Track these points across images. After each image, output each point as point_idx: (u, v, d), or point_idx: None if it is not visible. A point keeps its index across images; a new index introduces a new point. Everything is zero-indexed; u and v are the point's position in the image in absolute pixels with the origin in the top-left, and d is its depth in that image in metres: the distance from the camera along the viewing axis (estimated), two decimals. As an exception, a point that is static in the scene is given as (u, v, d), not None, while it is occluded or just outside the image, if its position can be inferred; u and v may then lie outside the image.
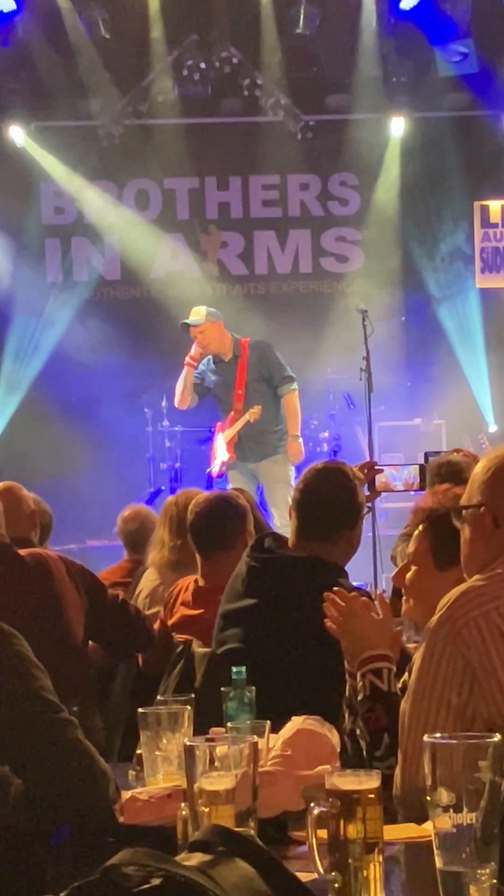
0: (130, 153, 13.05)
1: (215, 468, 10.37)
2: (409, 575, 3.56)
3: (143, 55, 12.58)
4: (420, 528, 3.56)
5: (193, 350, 10.24)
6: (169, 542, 5.78)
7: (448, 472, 5.80)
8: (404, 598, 3.62)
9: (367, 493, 5.23)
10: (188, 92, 12.80)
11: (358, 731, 3.19)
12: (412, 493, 6.56)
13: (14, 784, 2.62)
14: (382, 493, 6.53)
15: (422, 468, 6.43)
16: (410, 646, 3.95)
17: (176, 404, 10.54)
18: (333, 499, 4.28)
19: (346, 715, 3.28)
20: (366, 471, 5.62)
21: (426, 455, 6.75)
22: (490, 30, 12.24)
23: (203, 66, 12.57)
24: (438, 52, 12.33)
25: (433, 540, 3.48)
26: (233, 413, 10.19)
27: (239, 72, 12.70)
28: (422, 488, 6.25)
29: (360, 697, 3.19)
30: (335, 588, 3.37)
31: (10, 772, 2.62)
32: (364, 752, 3.13)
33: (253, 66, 12.68)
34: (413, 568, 3.55)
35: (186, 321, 10.22)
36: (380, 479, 6.29)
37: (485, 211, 13.11)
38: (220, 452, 10.31)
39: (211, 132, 13.31)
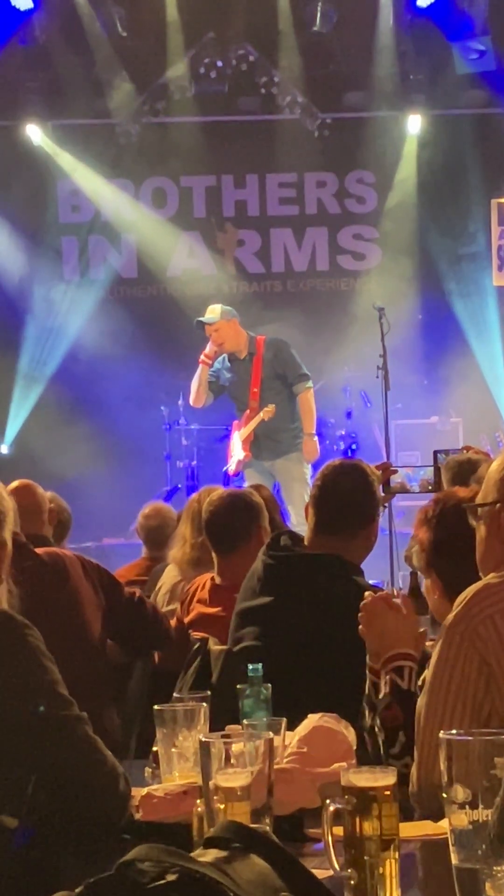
0: (147, 151, 13.07)
1: (231, 466, 10.37)
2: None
3: (160, 53, 12.59)
4: None
5: (208, 348, 10.24)
6: (191, 539, 5.77)
7: (469, 470, 5.80)
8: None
9: (381, 493, 5.22)
10: (205, 90, 12.81)
11: (377, 728, 3.19)
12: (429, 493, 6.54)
13: (31, 782, 2.63)
14: (398, 494, 6.52)
15: (436, 469, 6.41)
16: (428, 643, 3.95)
17: (191, 402, 10.54)
18: (351, 496, 4.28)
19: (367, 712, 3.28)
20: (380, 472, 5.62)
21: (435, 453, 6.74)
22: (508, 27, 12.23)
23: (220, 63, 12.57)
24: (456, 50, 12.32)
25: None
26: (248, 411, 10.18)
27: (256, 70, 12.71)
28: (436, 489, 6.24)
29: (381, 695, 3.19)
30: (367, 593, 3.38)
31: (23, 766, 2.62)
32: (380, 749, 3.13)
33: (270, 64, 12.69)
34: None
35: (201, 319, 10.21)
36: (395, 480, 6.29)
37: (502, 209, 13.07)
38: (236, 451, 10.31)
39: (228, 130, 13.31)
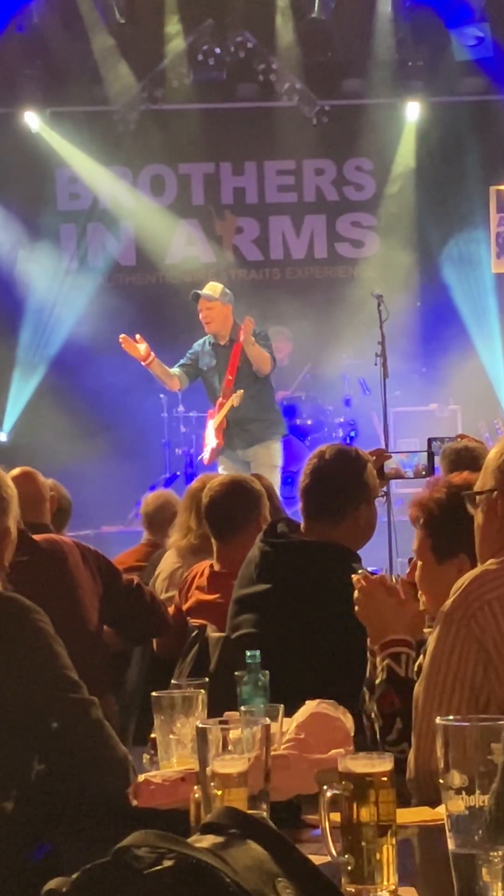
0: (146, 138, 13.06)
1: (206, 455, 10.23)
2: (417, 571, 3.55)
3: (158, 40, 12.58)
4: (420, 521, 3.54)
5: (145, 353, 9.94)
6: (196, 529, 5.73)
7: (467, 457, 5.79)
8: (419, 593, 3.61)
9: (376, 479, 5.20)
10: (203, 77, 12.79)
11: (372, 714, 3.19)
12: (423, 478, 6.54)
13: (35, 767, 2.63)
14: (393, 480, 6.51)
15: (430, 455, 6.42)
16: (426, 630, 3.95)
17: (168, 388, 10.44)
18: (335, 478, 4.28)
19: (367, 695, 3.27)
20: (374, 458, 5.60)
21: (429, 441, 6.74)
22: (506, 13, 12.21)
23: (218, 51, 12.55)
24: (454, 36, 12.29)
25: (430, 534, 3.44)
26: (221, 398, 10.08)
27: (254, 57, 12.69)
28: (429, 474, 6.24)
29: (378, 680, 3.19)
30: (360, 572, 3.37)
31: (31, 750, 2.62)
32: (378, 735, 3.13)
33: (268, 51, 12.67)
34: (419, 563, 3.54)
35: (198, 291, 10.09)
36: (390, 466, 6.28)
37: (500, 196, 13.06)
38: (210, 439, 10.19)
39: (226, 117, 13.30)
